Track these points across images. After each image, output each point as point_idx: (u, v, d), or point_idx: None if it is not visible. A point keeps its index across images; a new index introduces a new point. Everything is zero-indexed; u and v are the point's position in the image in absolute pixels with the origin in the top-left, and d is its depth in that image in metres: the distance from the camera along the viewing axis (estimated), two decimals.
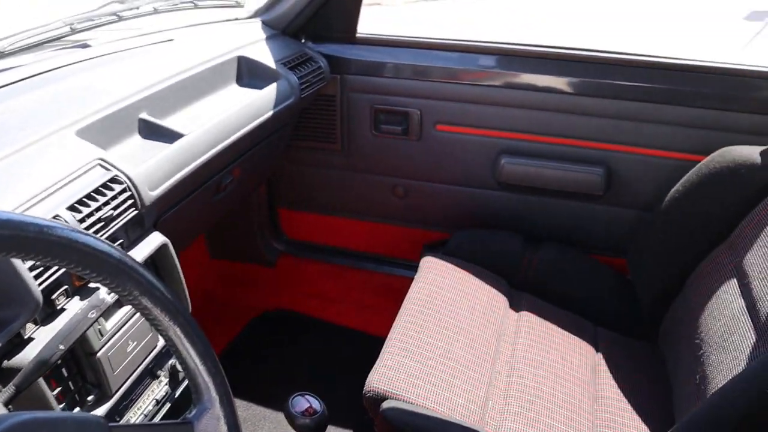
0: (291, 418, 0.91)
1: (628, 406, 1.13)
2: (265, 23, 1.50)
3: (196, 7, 1.39)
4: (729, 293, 1.06)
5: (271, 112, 1.25)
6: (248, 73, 1.34)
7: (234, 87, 1.32)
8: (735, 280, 1.07)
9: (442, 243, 1.49)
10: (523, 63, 1.40)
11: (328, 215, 1.71)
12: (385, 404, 1.00)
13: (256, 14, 1.52)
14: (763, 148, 1.15)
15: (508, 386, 1.11)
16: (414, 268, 1.38)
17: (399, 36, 1.51)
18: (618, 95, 1.34)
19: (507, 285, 1.35)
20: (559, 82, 1.37)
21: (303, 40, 1.53)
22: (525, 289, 1.37)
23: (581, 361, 1.21)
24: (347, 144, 1.57)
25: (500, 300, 1.30)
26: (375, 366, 1.08)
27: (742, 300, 1.02)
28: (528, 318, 1.27)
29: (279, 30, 1.50)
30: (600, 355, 1.24)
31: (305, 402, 0.92)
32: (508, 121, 1.43)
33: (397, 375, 1.06)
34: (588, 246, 1.48)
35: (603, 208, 1.44)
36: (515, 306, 1.31)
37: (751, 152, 1.15)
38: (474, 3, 6.68)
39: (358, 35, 1.51)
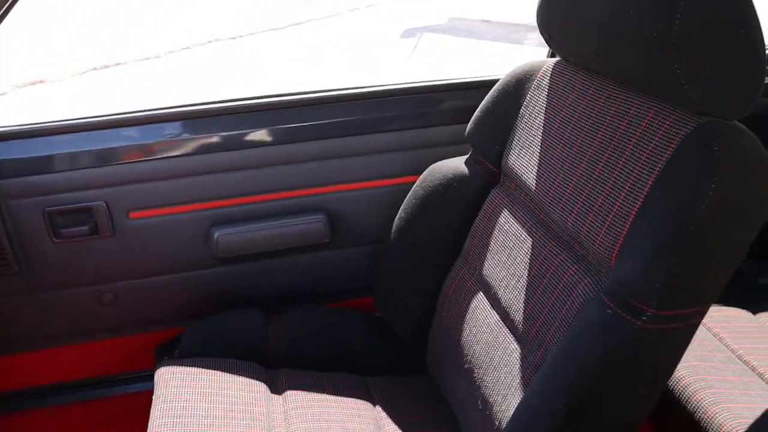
0: None
1: None
2: None
3: None
4: (480, 308, 1.04)
5: None
6: None
7: None
8: (481, 293, 1.05)
9: (176, 340, 1.28)
10: (212, 123, 1.26)
11: (23, 353, 1.37)
12: None
13: None
14: (465, 157, 1.17)
15: None
16: (152, 377, 1.15)
17: (63, 120, 1.24)
18: (320, 135, 1.27)
19: (261, 368, 1.19)
20: (256, 135, 1.26)
21: None
22: (282, 365, 1.22)
23: (362, 424, 1.10)
24: (23, 263, 1.26)
25: (259, 389, 1.13)
26: None
27: (495, 313, 1.01)
28: (294, 397, 1.13)
29: None
30: (378, 408, 1.15)
31: None
32: (212, 189, 1.28)
33: None
34: (332, 295, 1.39)
35: (336, 252, 1.37)
36: (277, 389, 1.16)
37: (457, 164, 1.16)
38: (155, 65, 6.36)
39: (7, 128, 1.22)
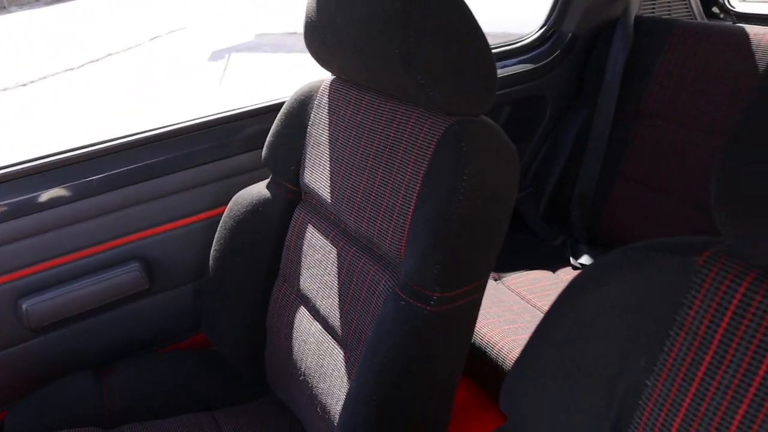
0: None
1: None
2: None
3: None
4: (304, 321, 1.09)
5: None
6: None
7: None
8: (303, 307, 1.11)
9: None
10: (3, 188, 1.19)
11: None
12: None
13: None
14: (267, 181, 1.22)
15: None
16: None
17: None
18: (122, 183, 1.25)
19: (100, 430, 1.15)
20: (53, 194, 1.20)
21: None
22: (123, 422, 1.19)
23: None
24: None
25: None
26: None
27: (317, 323, 1.06)
28: None
29: None
30: None
31: None
32: (13, 258, 1.21)
33: None
34: (164, 340, 1.38)
35: (159, 296, 1.35)
36: None
37: (260, 189, 1.20)
38: None
39: None
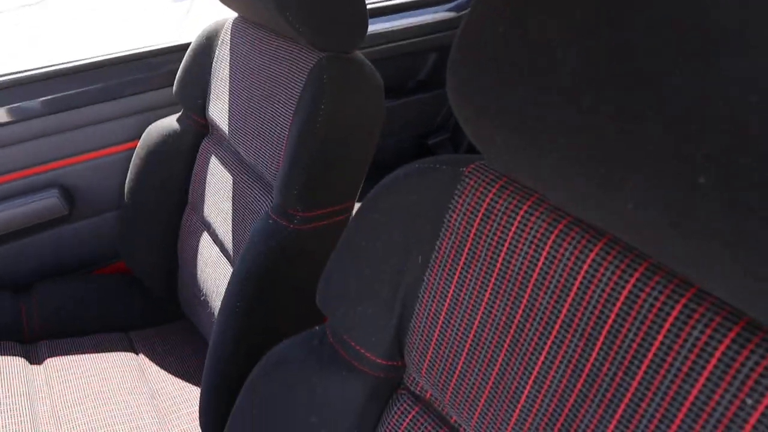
0: None
1: (181, 383, 1.18)
2: None
3: None
4: (206, 247, 1.17)
5: None
6: None
7: None
8: (205, 233, 1.18)
9: None
10: None
11: None
12: None
13: None
14: (178, 114, 1.28)
15: (59, 430, 1.04)
16: None
17: None
18: (45, 111, 1.29)
19: (17, 345, 1.23)
20: None
21: None
22: (41, 339, 1.27)
23: (126, 372, 1.20)
24: None
25: (15, 363, 1.18)
26: None
27: (216, 247, 1.14)
28: (55, 363, 1.19)
29: None
30: (141, 355, 1.25)
31: None
32: None
33: None
34: (85, 266, 1.45)
35: (79, 224, 1.41)
36: (35, 359, 1.21)
37: (170, 122, 1.26)
38: None
39: None
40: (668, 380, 0.40)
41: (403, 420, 0.61)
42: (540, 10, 0.38)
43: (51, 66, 1.32)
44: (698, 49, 0.30)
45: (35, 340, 1.26)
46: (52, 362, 1.20)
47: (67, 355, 1.22)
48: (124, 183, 1.38)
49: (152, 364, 1.24)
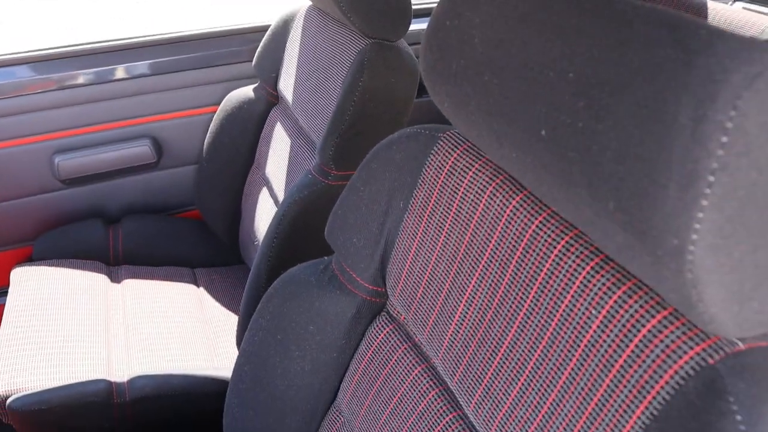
0: None
1: (230, 314, 1.38)
2: None
3: None
4: (264, 199, 1.37)
5: None
6: None
7: None
8: (265, 188, 1.38)
9: (31, 258, 1.53)
10: (50, 66, 1.48)
11: None
12: (9, 400, 1.06)
13: None
14: (255, 85, 1.48)
15: (127, 341, 1.26)
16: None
17: None
18: (145, 74, 1.53)
19: (103, 265, 1.47)
20: (89, 76, 1.50)
21: None
22: (122, 263, 1.51)
23: (186, 299, 1.41)
24: None
25: (99, 279, 1.42)
26: None
27: (272, 199, 1.33)
28: (131, 284, 1.42)
29: None
30: (201, 288, 1.47)
31: None
32: (53, 123, 1.51)
33: (14, 373, 1.12)
34: (165, 209, 1.68)
35: (163, 172, 1.64)
36: (116, 279, 1.44)
37: (247, 92, 1.47)
38: None
39: None
40: (550, 295, 0.53)
41: (379, 334, 0.77)
42: (477, 14, 0.53)
43: (155, 35, 1.55)
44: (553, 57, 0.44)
45: (117, 264, 1.50)
46: (128, 282, 1.42)
47: (141, 279, 1.44)
48: (203, 141, 1.59)
49: (209, 296, 1.44)
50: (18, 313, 1.27)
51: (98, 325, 1.28)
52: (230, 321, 1.37)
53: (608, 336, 0.48)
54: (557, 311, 0.53)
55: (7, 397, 1.08)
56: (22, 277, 1.38)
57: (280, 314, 0.82)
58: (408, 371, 0.72)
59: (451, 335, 0.65)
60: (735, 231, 0.35)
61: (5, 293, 1.45)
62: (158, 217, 1.62)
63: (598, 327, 0.49)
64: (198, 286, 1.48)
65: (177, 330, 1.31)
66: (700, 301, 0.37)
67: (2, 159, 1.52)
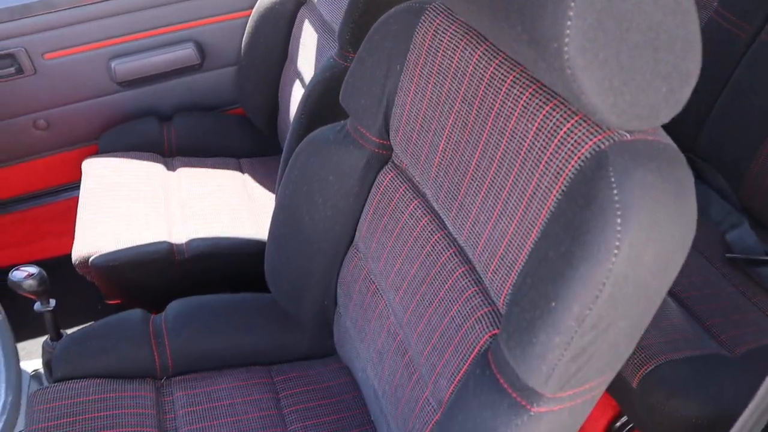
0: (17, 286, 1.11)
1: (273, 198, 1.57)
2: None
3: None
4: (296, 90, 1.52)
5: None
6: None
7: None
8: (297, 80, 1.53)
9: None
10: None
11: None
12: (92, 258, 1.29)
13: None
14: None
15: (183, 215, 1.46)
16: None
17: None
18: None
19: (159, 156, 1.67)
20: None
21: None
22: (176, 155, 1.71)
23: (233, 184, 1.61)
24: None
25: (157, 167, 1.62)
26: (75, 240, 1.35)
27: (302, 89, 1.48)
28: (184, 171, 1.62)
29: None
30: (246, 176, 1.66)
31: (22, 271, 1.13)
32: (108, 30, 1.69)
33: (94, 240, 1.34)
34: (212, 107, 1.86)
35: (207, 74, 1.81)
36: (171, 168, 1.64)
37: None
38: None
39: None
40: (502, 119, 0.68)
41: (385, 179, 0.93)
42: None
43: None
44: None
45: (171, 156, 1.70)
46: (182, 170, 1.62)
47: (193, 167, 1.64)
48: (240, 42, 1.74)
49: (252, 181, 1.64)
50: (92, 196, 1.49)
51: (158, 203, 1.49)
52: (271, 200, 1.56)
53: (539, 141, 0.63)
54: (506, 131, 0.68)
55: (90, 257, 1.31)
56: (91, 167, 1.60)
57: (306, 168, 0.99)
58: (407, 205, 0.89)
59: (436, 167, 0.81)
60: (597, 36, 0.49)
61: (78, 187, 1.67)
62: (206, 113, 1.81)
63: (533, 136, 0.64)
64: (243, 172, 1.67)
65: (225, 207, 1.51)
66: (582, 93, 0.52)
67: (65, 66, 1.71)
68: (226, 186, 1.59)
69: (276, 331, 1.14)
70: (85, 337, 1.08)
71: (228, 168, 1.67)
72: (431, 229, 0.84)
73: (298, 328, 1.15)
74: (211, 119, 1.80)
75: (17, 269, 1.10)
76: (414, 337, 0.85)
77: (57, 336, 1.18)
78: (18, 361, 0.83)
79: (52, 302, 1.15)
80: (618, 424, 1.16)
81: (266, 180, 1.65)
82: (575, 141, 0.59)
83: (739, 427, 0.77)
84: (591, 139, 0.57)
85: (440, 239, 0.82)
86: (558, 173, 0.60)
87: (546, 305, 0.55)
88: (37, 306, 1.14)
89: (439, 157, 0.80)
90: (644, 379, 1.04)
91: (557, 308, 0.54)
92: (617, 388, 1.11)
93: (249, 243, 1.36)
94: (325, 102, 1.21)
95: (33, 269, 1.11)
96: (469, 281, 0.75)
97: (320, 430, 1.02)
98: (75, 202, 1.83)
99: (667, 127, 0.58)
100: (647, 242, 0.52)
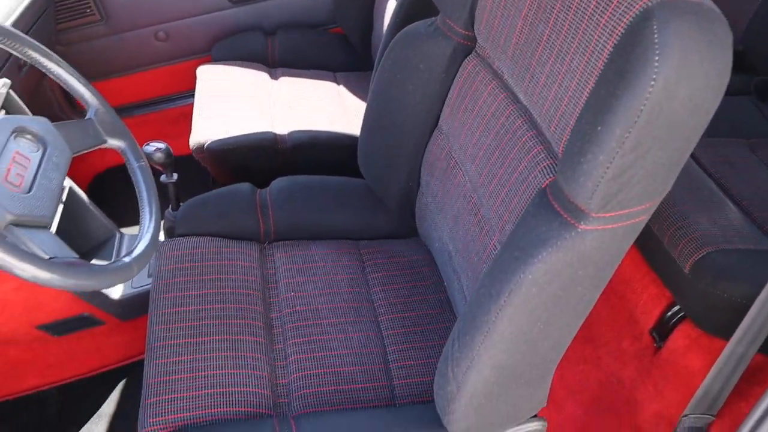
0: (148, 157, 1.25)
1: (362, 103, 1.71)
2: None
3: None
4: (391, 4, 1.63)
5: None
6: None
7: None
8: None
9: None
10: None
11: (100, 81, 1.97)
12: (207, 143, 1.47)
13: None
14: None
15: (285, 115, 1.62)
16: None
17: None
18: None
19: (264, 66, 1.84)
20: None
21: None
22: (278, 66, 1.87)
23: (329, 92, 1.75)
24: (104, 11, 1.89)
25: (262, 75, 1.79)
26: (192, 130, 1.53)
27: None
28: (286, 80, 1.78)
29: None
30: (341, 87, 1.80)
31: (152, 146, 1.30)
32: None
33: (209, 128, 1.53)
34: (317, 25, 2.01)
35: None
36: (274, 76, 1.81)
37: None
38: None
39: None
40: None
41: (468, 66, 1.04)
42: None
43: None
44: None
45: (275, 66, 1.86)
46: (283, 79, 1.79)
47: (293, 77, 1.80)
48: None
49: (347, 92, 1.78)
50: (206, 96, 1.68)
51: (264, 104, 1.66)
52: (362, 108, 1.69)
53: (599, 8, 0.71)
54: (572, 4, 0.76)
55: (205, 143, 1.49)
56: (205, 74, 1.78)
57: (399, 58, 1.12)
58: (486, 86, 1.00)
59: (513, 46, 0.91)
60: None
61: (192, 95, 1.85)
62: (306, 29, 1.96)
63: (595, 5, 0.72)
64: (338, 84, 1.81)
65: (322, 110, 1.66)
66: None
67: None
68: (322, 94, 1.74)
69: (365, 211, 1.30)
70: (202, 202, 1.27)
71: (325, 79, 1.82)
72: (506, 103, 0.95)
73: (385, 210, 1.30)
74: (311, 35, 1.95)
75: (148, 144, 1.26)
76: (486, 197, 0.97)
77: (177, 206, 1.36)
78: (158, 198, 1.02)
79: (175, 175, 1.32)
80: (669, 313, 1.24)
81: (359, 91, 1.79)
82: (628, 4, 0.67)
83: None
84: (641, 1, 0.66)
85: (513, 111, 0.94)
86: (612, 31, 0.69)
87: (593, 130, 0.66)
88: (163, 178, 1.31)
89: (516, 37, 0.89)
90: (696, 265, 1.12)
91: (602, 131, 0.64)
92: (670, 275, 1.20)
93: (344, 137, 1.51)
94: (417, 4, 1.32)
95: (161, 144, 1.26)
96: (535, 142, 0.87)
97: (397, 293, 1.17)
98: (189, 109, 2.02)
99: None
100: (679, 79, 0.60)
